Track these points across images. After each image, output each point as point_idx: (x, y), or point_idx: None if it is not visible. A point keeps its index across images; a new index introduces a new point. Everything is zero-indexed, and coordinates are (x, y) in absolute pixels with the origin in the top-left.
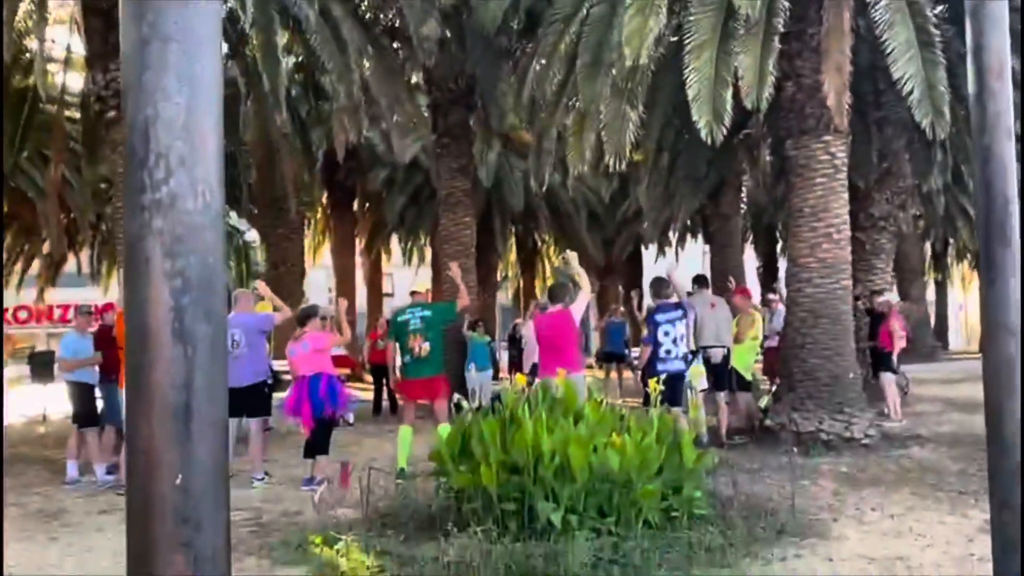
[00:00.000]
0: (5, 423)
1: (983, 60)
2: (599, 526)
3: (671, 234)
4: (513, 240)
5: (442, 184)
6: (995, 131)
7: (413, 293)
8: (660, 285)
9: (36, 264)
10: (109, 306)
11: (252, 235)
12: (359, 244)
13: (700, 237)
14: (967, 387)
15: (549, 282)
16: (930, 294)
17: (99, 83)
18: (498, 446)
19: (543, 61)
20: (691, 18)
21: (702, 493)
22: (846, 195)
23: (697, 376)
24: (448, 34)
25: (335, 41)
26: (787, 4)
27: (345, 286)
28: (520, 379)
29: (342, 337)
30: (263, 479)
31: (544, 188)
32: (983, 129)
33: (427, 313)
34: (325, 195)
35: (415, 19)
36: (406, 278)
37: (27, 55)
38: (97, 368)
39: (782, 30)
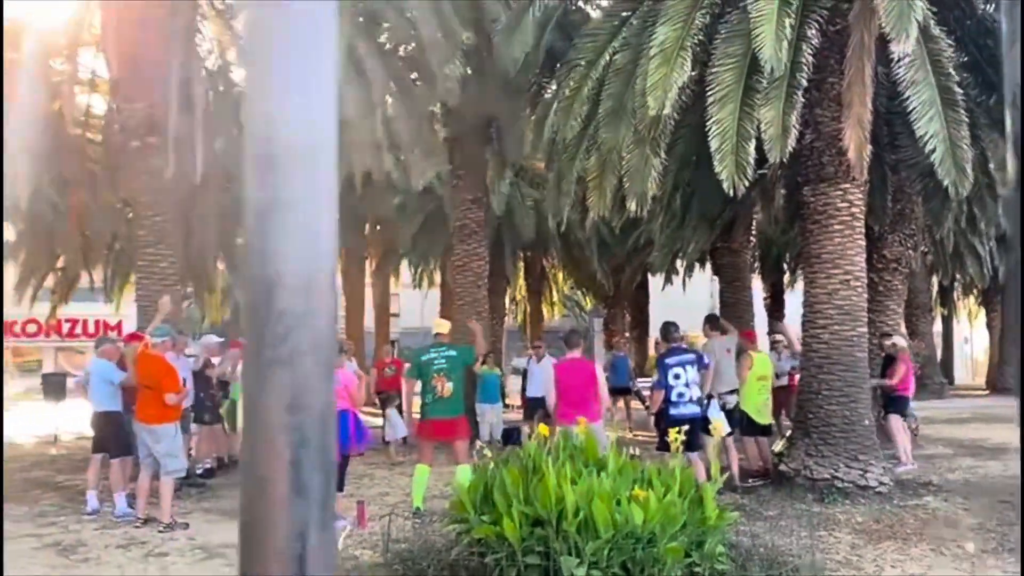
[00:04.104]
0: (17, 441)
1: None
2: None
3: (679, 263)
4: (522, 265)
5: (456, 215)
6: None
7: (437, 334)
8: (669, 329)
9: (50, 278)
10: (131, 336)
11: None
12: (369, 267)
13: (708, 266)
14: (974, 428)
15: (556, 307)
16: (936, 327)
17: (124, 112)
18: (520, 497)
19: (564, 103)
20: (714, 71)
21: (724, 548)
22: (863, 242)
23: (720, 429)
24: (469, 71)
25: (358, 78)
26: (811, 59)
27: (354, 308)
28: (543, 429)
29: (361, 395)
30: None
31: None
32: None
33: (452, 353)
34: None
35: (438, 58)
36: (412, 298)
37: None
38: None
39: (805, 84)
